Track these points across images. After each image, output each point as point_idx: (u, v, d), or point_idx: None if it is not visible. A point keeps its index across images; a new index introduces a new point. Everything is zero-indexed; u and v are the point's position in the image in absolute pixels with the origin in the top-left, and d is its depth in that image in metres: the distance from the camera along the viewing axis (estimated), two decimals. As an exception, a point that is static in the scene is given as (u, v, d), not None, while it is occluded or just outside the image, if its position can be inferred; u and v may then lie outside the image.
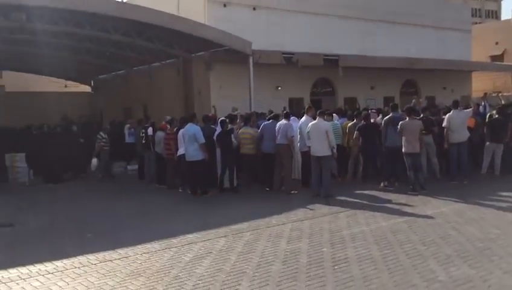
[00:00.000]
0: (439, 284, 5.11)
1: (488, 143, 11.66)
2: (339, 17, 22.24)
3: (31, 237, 8.16)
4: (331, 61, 19.85)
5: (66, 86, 27.55)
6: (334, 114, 12.93)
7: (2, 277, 5.98)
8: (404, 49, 23.31)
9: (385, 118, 11.53)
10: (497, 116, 11.87)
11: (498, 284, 5.04)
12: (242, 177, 12.23)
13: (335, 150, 10.70)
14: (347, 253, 6.32)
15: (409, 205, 9.18)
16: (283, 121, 11.41)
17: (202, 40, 16.23)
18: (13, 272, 6.14)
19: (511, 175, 11.67)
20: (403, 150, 10.58)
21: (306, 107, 12.43)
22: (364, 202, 9.79)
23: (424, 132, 10.84)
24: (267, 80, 19.42)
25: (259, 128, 12.06)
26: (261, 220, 8.50)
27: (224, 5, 19.32)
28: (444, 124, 11.40)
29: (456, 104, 11.71)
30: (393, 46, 23.22)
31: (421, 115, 11.76)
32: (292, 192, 11.05)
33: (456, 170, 11.39)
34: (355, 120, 12.42)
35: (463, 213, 8.34)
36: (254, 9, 20.14)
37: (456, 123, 11.26)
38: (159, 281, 5.56)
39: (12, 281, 5.83)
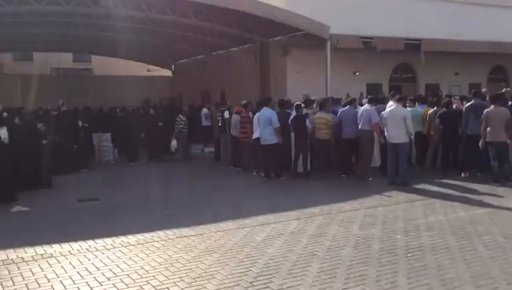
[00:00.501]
0: (520, 278, 4.87)
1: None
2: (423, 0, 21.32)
3: (115, 211, 8.71)
4: (413, 46, 19.09)
5: (148, 70, 28.73)
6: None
7: (89, 246, 6.45)
8: (494, 32, 21.82)
9: (466, 105, 10.98)
10: None
11: None
12: (316, 162, 12.22)
13: (412, 137, 10.38)
14: (421, 242, 6.16)
15: (492, 196, 8.75)
16: (366, 106, 11.18)
17: (280, 25, 16.23)
18: (99, 242, 6.60)
19: None
20: (487, 139, 10.03)
21: (391, 94, 12.05)
22: (443, 191, 9.44)
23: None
24: (345, 65, 19.07)
25: (335, 114, 11.96)
26: (334, 205, 8.49)
27: (303, -12, 19.16)
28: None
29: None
30: (481, 30, 21.80)
31: (510, 103, 11.06)
32: (368, 179, 10.88)
33: None
34: (435, 107, 11.92)
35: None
36: (334, -8, 19.80)
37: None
38: (232, 259, 5.74)
39: (98, 250, 6.28)
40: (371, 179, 10.89)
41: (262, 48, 19.83)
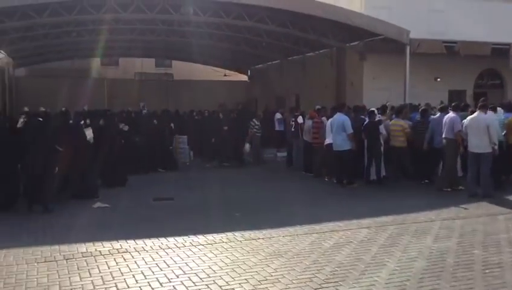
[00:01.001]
0: None
1: None
2: (510, 1, 20.08)
3: (187, 211, 8.96)
4: (501, 51, 18.06)
5: (225, 75, 29.37)
6: (498, 108, 11.75)
7: (161, 243, 6.68)
8: None
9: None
10: None
11: None
12: (391, 170, 11.86)
13: (496, 147, 9.77)
14: (502, 258, 5.77)
15: None
16: (450, 114, 10.68)
17: (357, 30, 16.00)
18: (171, 240, 6.82)
19: None
20: None
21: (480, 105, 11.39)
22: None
23: None
24: (425, 71, 18.39)
25: (411, 121, 11.58)
26: (408, 215, 8.18)
27: (382, -7, 18.74)
28: None
29: None
30: None
31: None
32: (445, 189, 10.38)
33: None
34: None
35: None
36: (415, -5, 19.21)
37: None
38: (298, 264, 5.70)
39: (169, 248, 6.48)
40: (449, 189, 10.36)
41: (339, 53, 19.62)
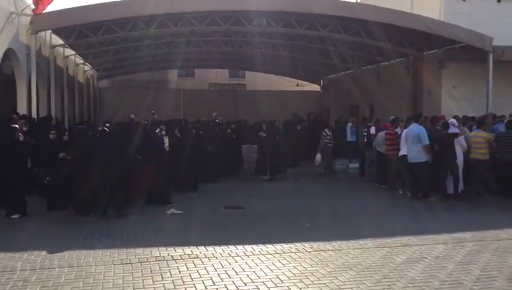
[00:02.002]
0: None
1: None
2: None
3: (257, 220, 9.02)
4: None
5: (297, 85, 29.37)
6: None
7: (231, 251, 6.77)
8: None
9: None
10: None
11: None
12: (472, 184, 11.26)
13: None
14: None
15: None
16: None
17: (435, 37, 15.42)
18: (240, 248, 6.89)
19: None
20: None
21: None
22: None
23: None
24: (510, 80, 17.34)
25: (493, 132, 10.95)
26: (489, 231, 7.74)
27: (464, -1, 18.02)
28: None
29: None
30: None
31: None
32: None
33: None
34: None
35: None
36: (499, 1, 18.28)
37: None
38: (368, 278, 5.55)
39: (238, 256, 6.55)
40: None
41: (415, 62, 18.98)
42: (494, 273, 5.67)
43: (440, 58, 17.23)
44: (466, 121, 12.43)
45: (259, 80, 29.21)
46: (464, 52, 15.96)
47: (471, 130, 11.61)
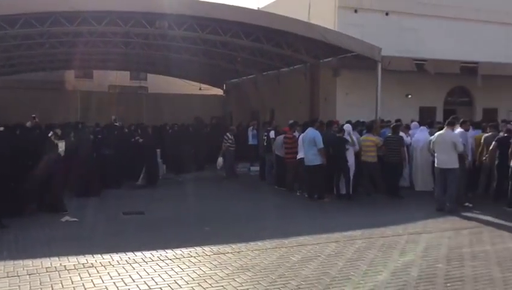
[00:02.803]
0: None
1: None
2: (479, 22, 20.72)
3: (157, 225, 8.89)
4: (469, 69, 18.53)
5: (200, 89, 29.38)
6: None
7: (129, 258, 6.61)
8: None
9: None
10: None
11: None
12: (363, 185, 12.03)
13: (467, 162, 10.03)
14: (463, 271, 5.91)
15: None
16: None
17: (330, 46, 16.23)
18: (138, 255, 6.75)
19: None
20: None
21: (461, 120, 11.59)
22: (493, 220, 9.01)
23: None
24: (397, 88, 18.74)
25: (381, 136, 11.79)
26: (376, 229, 8.29)
27: (355, 11, 19.20)
28: None
29: None
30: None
31: None
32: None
33: None
34: (489, 132, 11.46)
35: None
36: (387, 14, 19.71)
37: None
38: (265, 278, 5.72)
39: (136, 262, 6.42)
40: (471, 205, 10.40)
41: (313, 69, 19.81)
42: (380, 268, 6.11)
43: (335, 66, 18.20)
44: (357, 126, 13.22)
45: (162, 83, 28.77)
46: (356, 61, 16.97)
47: (361, 135, 12.39)
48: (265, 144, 14.13)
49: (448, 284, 5.45)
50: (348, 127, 12.37)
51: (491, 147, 10.86)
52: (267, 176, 14.36)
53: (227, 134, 15.57)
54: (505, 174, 10.43)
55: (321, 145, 10.98)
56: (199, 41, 17.84)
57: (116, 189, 12.77)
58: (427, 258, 6.52)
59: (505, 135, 10.90)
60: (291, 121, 13.40)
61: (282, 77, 21.53)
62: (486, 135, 11.47)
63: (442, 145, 9.96)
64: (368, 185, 12.04)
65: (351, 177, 11.38)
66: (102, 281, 5.67)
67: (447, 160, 9.87)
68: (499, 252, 6.79)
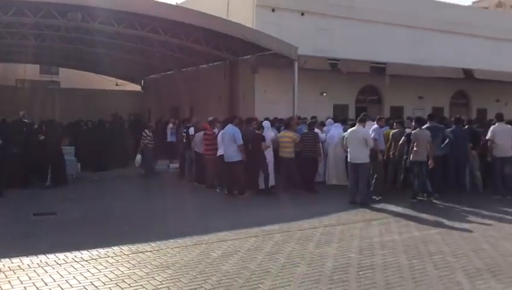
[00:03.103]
0: (464, 296, 5.02)
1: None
2: (388, 24, 21.96)
3: (71, 225, 8.55)
4: (378, 69, 19.52)
5: (117, 84, 28.49)
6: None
7: (40, 261, 6.31)
8: (457, 59, 22.58)
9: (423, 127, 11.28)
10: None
11: (526, 301, 4.90)
12: (280, 180, 12.33)
13: (380, 156, 10.66)
14: (374, 260, 6.28)
15: (446, 217, 8.94)
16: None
17: (249, 44, 16.44)
18: (51, 257, 6.46)
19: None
20: (412, 158, 10.54)
21: (377, 117, 12.24)
22: (400, 211, 9.63)
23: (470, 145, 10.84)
24: (312, 86, 19.39)
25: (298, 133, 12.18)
26: (294, 223, 8.55)
27: (273, 10, 19.54)
28: (487, 137, 11.07)
29: (500, 117, 11.33)
30: (444, 56, 22.60)
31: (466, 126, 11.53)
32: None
33: (499, 184, 11.01)
34: (396, 129, 12.20)
35: (501, 228, 8.09)
36: (302, 14, 20.26)
37: (500, 137, 10.90)
38: (185, 275, 5.72)
39: (49, 265, 6.14)
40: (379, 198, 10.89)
41: (232, 66, 19.99)
42: (297, 260, 6.32)
43: (253, 63, 18.45)
44: (275, 122, 13.53)
45: (76, 78, 27.51)
46: (274, 59, 17.34)
47: (279, 131, 12.70)
48: (184, 140, 14.03)
49: (361, 273, 5.77)
50: (266, 123, 12.67)
51: (400, 142, 11.56)
52: (186, 173, 14.28)
53: (146, 131, 15.28)
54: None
55: (240, 141, 11.11)
56: (115, 36, 17.34)
57: (23, 189, 12.09)
58: (341, 249, 6.85)
59: (413, 131, 11.66)
60: (210, 118, 13.43)
61: (202, 74, 21.49)
62: (394, 131, 12.19)
63: (354, 141, 10.47)
64: (285, 181, 12.34)
65: (270, 173, 11.63)
66: (12, 285, 5.38)
67: (358, 155, 10.38)
68: (405, 241, 7.28)
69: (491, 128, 11.15)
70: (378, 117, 11.83)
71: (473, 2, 75.52)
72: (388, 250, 6.75)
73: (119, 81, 28.57)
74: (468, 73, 21.36)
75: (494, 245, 6.97)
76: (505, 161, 10.89)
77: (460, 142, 11.14)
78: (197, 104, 22.46)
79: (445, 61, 21.86)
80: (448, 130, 11.21)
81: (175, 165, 16.38)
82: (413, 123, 11.32)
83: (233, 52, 18.32)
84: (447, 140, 10.93)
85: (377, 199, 10.81)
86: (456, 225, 8.32)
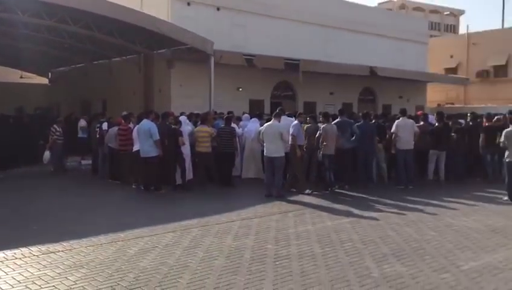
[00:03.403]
0: (371, 280, 5.35)
1: (431, 150, 12.22)
2: (301, 22, 22.66)
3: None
4: (292, 65, 20.13)
5: (21, 77, 26.80)
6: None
7: None
8: (365, 57, 23.88)
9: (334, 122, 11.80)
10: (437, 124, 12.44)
11: (426, 281, 5.32)
12: (198, 175, 12.32)
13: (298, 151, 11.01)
14: (290, 250, 6.51)
15: (356, 207, 9.44)
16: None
17: (164, 37, 16.18)
18: (-49, 261, 6.01)
19: (457, 181, 12.30)
20: (322, 152, 11.16)
21: (298, 113, 12.53)
22: (314, 202, 10.02)
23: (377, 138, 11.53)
24: (228, 81, 19.55)
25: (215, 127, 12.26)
26: (211, 217, 8.60)
27: (188, 4, 19.41)
28: (392, 130, 11.83)
29: (403, 112, 12.16)
30: (353, 54, 23.79)
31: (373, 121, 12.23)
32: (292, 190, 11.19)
33: (403, 175, 11.82)
34: (310, 123, 12.64)
35: (404, 216, 8.70)
36: (218, 9, 20.31)
37: (403, 130, 11.70)
38: (100, 273, 5.57)
39: (-51, 270, 5.71)
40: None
41: (147, 60, 19.61)
42: (215, 253, 6.39)
43: (169, 57, 18.25)
44: (191, 117, 13.48)
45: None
46: (190, 53, 17.27)
47: (196, 126, 12.67)
48: (97, 136, 13.55)
49: (277, 263, 5.95)
50: (183, 118, 12.57)
51: (316, 136, 11.96)
52: (100, 169, 13.81)
53: (55, 126, 14.52)
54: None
55: (157, 136, 10.95)
56: (20, 25, 16.29)
57: None
58: (258, 240, 7.02)
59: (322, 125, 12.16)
60: (124, 113, 13.09)
61: (115, 67, 20.83)
62: (308, 126, 12.62)
63: (270, 135, 10.72)
64: (203, 175, 12.36)
65: (187, 168, 11.59)
66: None
67: (274, 149, 10.65)
68: (319, 230, 7.61)
69: (395, 122, 11.93)
70: (298, 113, 12.20)
71: (379, 4, 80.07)
72: (303, 240, 7.03)
73: (24, 73, 26.90)
74: (373, 71, 22.65)
75: (398, 232, 7.49)
76: (407, 153, 11.71)
77: (368, 136, 11.78)
78: (111, 98, 21.80)
79: (353, 59, 23.03)
80: (356, 124, 11.80)
81: (87, 161, 15.79)
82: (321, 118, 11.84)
83: (148, 45, 17.96)
84: (355, 135, 11.53)
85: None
86: (365, 214, 8.83)
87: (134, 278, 5.43)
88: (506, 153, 10.19)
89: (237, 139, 12.59)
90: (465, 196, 10.58)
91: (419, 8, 78.24)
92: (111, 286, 5.16)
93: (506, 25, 67.39)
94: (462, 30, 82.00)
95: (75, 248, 6.66)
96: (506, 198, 10.12)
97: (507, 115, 12.10)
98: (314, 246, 6.68)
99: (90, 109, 23.02)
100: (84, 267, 5.79)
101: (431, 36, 39.81)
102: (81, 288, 5.11)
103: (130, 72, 20.00)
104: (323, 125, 11.17)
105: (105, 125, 13.27)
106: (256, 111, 16.91)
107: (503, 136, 10.29)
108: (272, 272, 5.61)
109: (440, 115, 12.65)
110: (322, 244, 6.76)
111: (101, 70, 21.44)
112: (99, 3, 14.95)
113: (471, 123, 13.55)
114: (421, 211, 9.14)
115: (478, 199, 10.31)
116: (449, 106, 30.14)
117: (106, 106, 21.98)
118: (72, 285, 5.20)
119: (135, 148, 11.56)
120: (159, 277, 5.46)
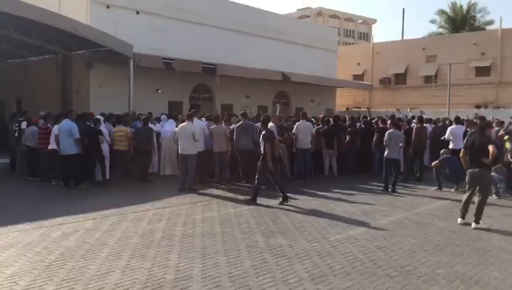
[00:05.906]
0: (257, 249, 6.70)
1: (324, 149, 14.00)
2: (219, 28, 23.91)
3: None
4: (210, 69, 21.29)
5: None
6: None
7: None
8: (279, 62, 25.60)
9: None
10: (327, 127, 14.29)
11: (300, 249, 6.75)
12: (116, 171, 13.17)
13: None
14: (195, 230, 7.73)
15: (260, 197, 10.78)
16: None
17: (83, 39, 16.63)
18: None
19: (350, 175, 14.16)
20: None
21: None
22: (222, 194, 11.32)
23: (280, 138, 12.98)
24: (148, 83, 20.32)
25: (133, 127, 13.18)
26: (128, 207, 9.59)
27: (108, 7, 19.94)
28: (293, 131, 13.42)
29: (304, 115, 13.79)
30: (269, 60, 25.42)
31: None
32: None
33: (302, 171, 13.44)
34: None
35: (296, 203, 10.22)
36: (137, 13, 21.00)
37: (302, 132, 13.33)
38: (29, 251, 6.47)
39: None
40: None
41: (65, 60, 19.84)
42: (131, 234, 7.46)
43: (88, 59, 18.69)
44: (110, 118, 14.26)
45: None
46: (109, 55, 17.82)
47: (114, 126, 13.51)
48: (16, 134, 13.93)
49: (183, 240, 7.15)
50: (101, 118, 13.37)
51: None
52: (18, 167, 14.19)
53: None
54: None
55: (77, 135, 11.71)
56: None
57: None
58: (168, 224, 8.17)
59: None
60: (43, 112, 13.60)
61: (31, 66, 20.85)
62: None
63: (184, 135, 11.86)
64: (121, 172, 13.23)
65: (106, 165, 12.43)
66: None
67: (187, 147, 11.81)
68: (222, 216, 8.89)
69: (296, 124, 13.54)
70: (187, 114, 13.24)
71: (297, 9, 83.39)
72: (207, 223, 8.27)
73: None
74: (285, 76, 24.44)
75: (289, 216, 8.96)
76: (306, 151, 13.34)
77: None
78: (26, 97, 21.74)
79: (268, 64, 24.69)
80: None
81: (4, 160, 15.96)
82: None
83: (66, 46, 18.26)
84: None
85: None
86: (265, 202, 10.24)
87: (60, 253, 6.38)
88: (386, 151, 12.12)
89: (154, 138, 13.59)
90: (349, 187, 12.35)
91: (335, 16, 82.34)
92: (40, 259, 6.09)
93: (405, 36, 72.81)
94: (376, 38, 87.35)
95: (1, 233, 7.42)
96: (382, 189, 12.04)
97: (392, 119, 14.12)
98: (216, 228, 7.95)
99: (4, 108, 22.81)
100: (13, 247, 6.64)
101: (345, 43, 42.70)
102: (14, 261, 6.00)
103: (47, 71, 20.14)
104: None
105: (24, 124, 13.70)
106: (174, 112, 17.91)
107: (386, 136, 12.19)
108: (178, 247, 6.79)
109: (335, 118, 14.53)
110: (222, 226, 8.04)
111: (16, 69, 21.33)
112: (16, 4, 15.16)
113: (363, 126, 15.49)
114: (312, 199, 10.74)
115: (360, 190, 12.14)
116: (356, 109, 32.81)
117: (21, 104, 21.88)
118: (5, 259, 6.06)
119: (51, 146, 12.22)
120: (82, 252, 6.46)
